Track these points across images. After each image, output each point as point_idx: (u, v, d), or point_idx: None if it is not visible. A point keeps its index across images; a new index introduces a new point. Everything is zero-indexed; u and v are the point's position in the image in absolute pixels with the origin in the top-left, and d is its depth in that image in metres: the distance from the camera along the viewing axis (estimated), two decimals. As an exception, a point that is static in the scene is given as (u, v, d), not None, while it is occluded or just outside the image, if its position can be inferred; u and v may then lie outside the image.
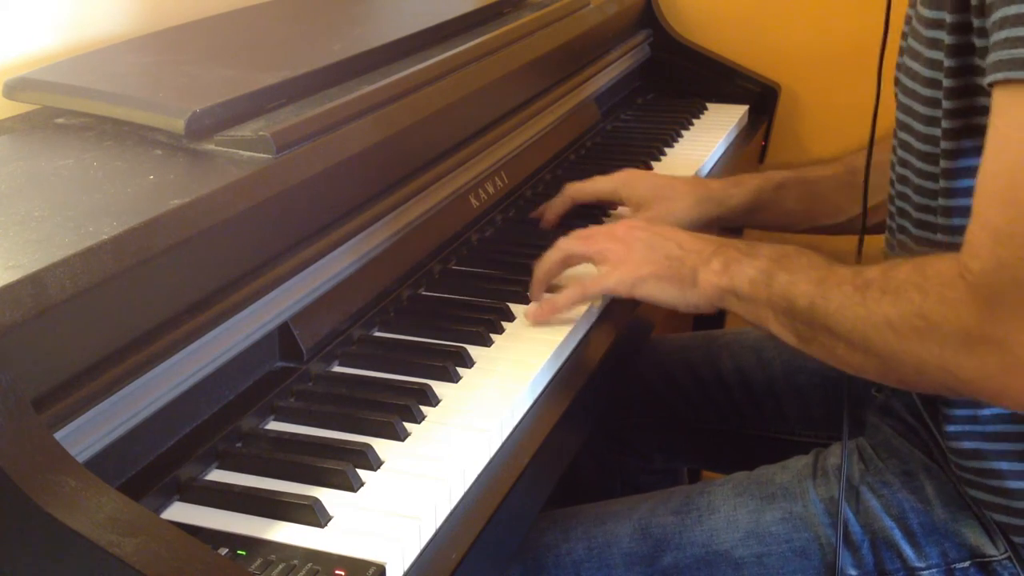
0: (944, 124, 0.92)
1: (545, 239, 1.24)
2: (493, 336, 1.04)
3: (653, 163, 1.54)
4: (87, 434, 0.75)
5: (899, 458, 1.05)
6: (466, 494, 0.83)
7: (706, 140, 1.65)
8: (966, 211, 0.86)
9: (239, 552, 0.74)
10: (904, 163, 1.00)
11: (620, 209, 1.35)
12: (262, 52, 1.23)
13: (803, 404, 1.32)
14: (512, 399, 0.93)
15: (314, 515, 0.77)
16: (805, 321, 0.91)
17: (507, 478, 0.86)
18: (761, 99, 1.83)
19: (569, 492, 1.22)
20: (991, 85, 0.80)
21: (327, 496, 0.80)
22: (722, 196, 1.29)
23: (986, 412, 0.94)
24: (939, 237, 0.95)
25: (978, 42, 0.86)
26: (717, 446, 1.40)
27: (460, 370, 0.98)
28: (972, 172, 0.88)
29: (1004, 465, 0.94)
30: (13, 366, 0.66)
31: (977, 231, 0.80)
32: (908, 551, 1.00)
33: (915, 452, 1.04)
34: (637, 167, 1.49)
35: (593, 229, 1.11)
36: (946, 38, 0.89)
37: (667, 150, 1.60)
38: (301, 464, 0.83)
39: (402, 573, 0.75)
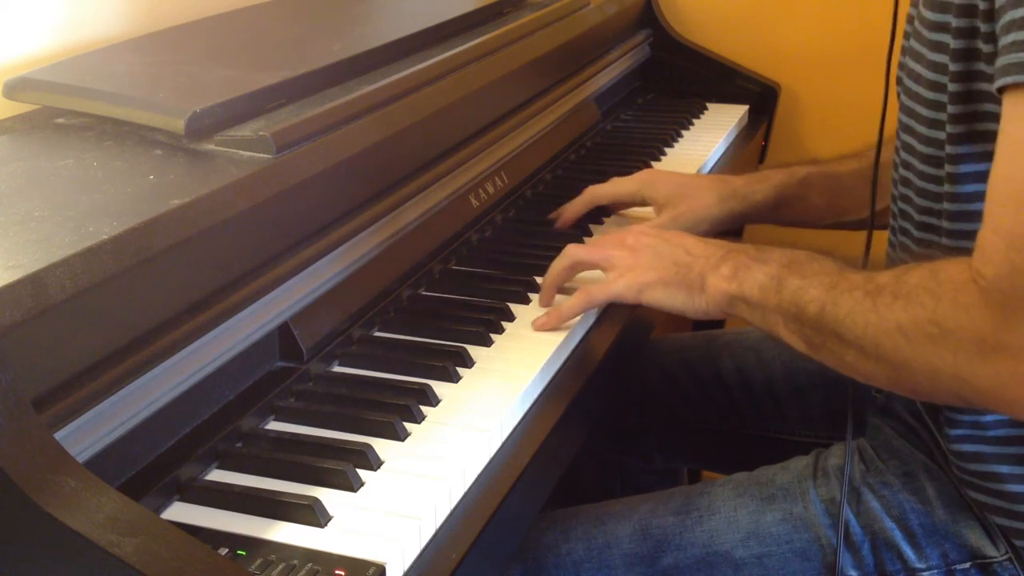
0: (949, 128, 0.91)
1: (546, 239, 1.24)
2: (493, 336, 1.04)
3: (653, 163, 1.54)
4: (87, 434, 0.75)
5: (900, 459, 1.05)
6: (466, 494, 0.83)
7: (706, 140, 1.65)
8: (972, 215, 0.86)
9: (239, 552, 0.74)
10: (907, 165, 1.00)
11: (634, 209, 1.35)
12: (262, 52, 1.23)
13: (803, 404, 1.32)
14: (512, 399, 0.93)
15: (314, 515, 0.77)
16: (815, 327, 0.90)
17: (507, 478, 0.86)
18: (761, 99, 1.83)
19: (569, 492, 1.22)
20: (1000, 90, 0.79)
21: (327, 496, 0.80)
22: (746, 192, 1.28)
23: (988, 417, 0.94)
24: (943, 240, 0.95)
25: (984, 47, 0.85)
26: (717, 446, 1.40)
27: (460, 370, 0.98)
28: (978, 177, 0.88)
29: (1005, 469, 0.94)
30: (13, 366, 0.66)
31: (990, 236, 0.78)
32: (909, 552, 1.00)
33: (916, 453, 1.04)
34: (637, 167, 1.48)
35: (602, 236, 1.11)
36: (951, 42, 0.88)
37: (667, 150, 1.60)
38: (301, 464, 0.83)
39: (402, 573, 0.75)
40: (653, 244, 1.05)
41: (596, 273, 1.09)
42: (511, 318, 1.08)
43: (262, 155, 0.95)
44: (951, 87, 0.89)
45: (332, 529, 0.77)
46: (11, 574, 0.66)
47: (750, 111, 1.81)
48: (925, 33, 0.94)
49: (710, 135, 1.67)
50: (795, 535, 1.03)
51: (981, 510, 0.98)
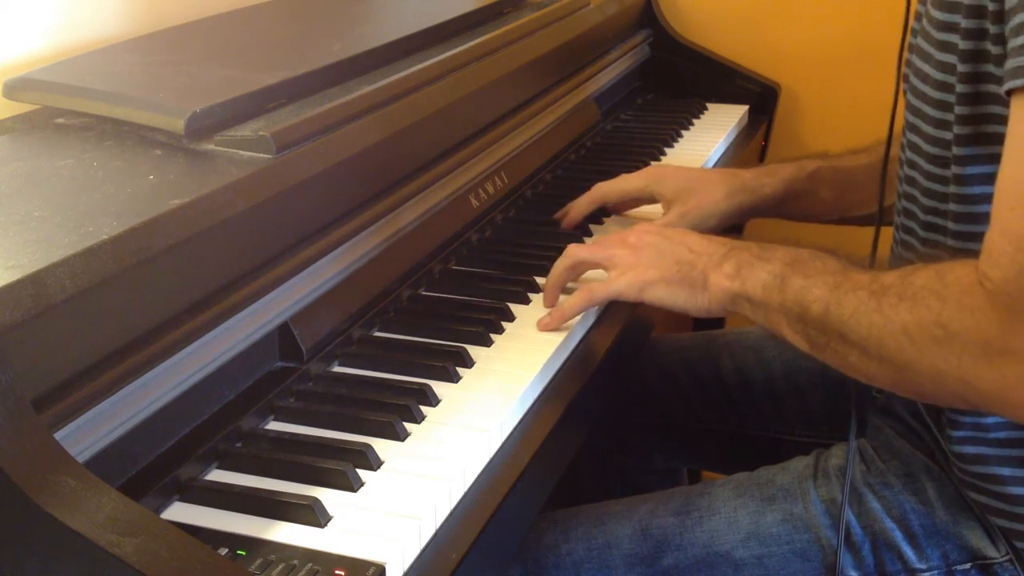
0: (956, 129, 0.90)
1: (546, 239, 1.25)
2: (493, 336, 1.04)
3: (653, 163, 1.54)
4: (87, 434, 0.75)
5: (900, 459, 1.05)
6: (466, 494, 0.83)
7: (706, 140, 1.65)
8: (979, 217, 0.86)
9: (239, 552, 0.74)
10: (912, 164, 0.99)
11: (637, 210, 1.34)
12: (262, 52, 1.23)
13: (803, 404, 1.32)
14: (512, 399, 0.93)
15: (314, 515, 0.77)
16: (818, 327, 0.90)
17: (507, 478, 0.86)
18: (761, 99, 1.83)
19: (569, 492, 1.22)
20: (1009, 92, 0.78)
21: (327, 496, 0.80)
22: (755, 186, 1.28)
23: (990, 419, 0.93)
24: (948, 241, 0.94)
25: (993, 49, 0.84)
26: (717, 446, 1.40)
27: (460, 370, 0.98)
28: (985, 179, 0.88)
29: (1006, 471, 0.94)
30: (13, 366, 0.66)
31: (997, 238, 0.78)
32: (909, 552, 1.00)
33: (916, 454, 1.04)
34: (637, 167, 1.48)
35: (604, 236, 1.10)
36: (960, 43, 0.88)
37: (667, 150, 1.60)
38: (301, 464, 0.83)
39: (402, 573, 0.75)
40: (655, 242, 1.05)
41: (599, 272, 1.09)
42: (511, 318, 1.08)
43: (262, 155, 0.95)
44: (959, 88, 0.89)
45: (332, 529, 0.77)
46: (11, 574, 0.66)
47: (750, 111, 1.81)
48: (933, 32, 0.93)
49: (710, 135, 1.67)
50: (795, 535, 1.03)
51: (982, 511, 0.98)
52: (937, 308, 0.80)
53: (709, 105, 1.82)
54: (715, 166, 1.60)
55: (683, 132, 1.68)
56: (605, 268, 1.07)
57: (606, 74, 1.70)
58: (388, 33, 1.29)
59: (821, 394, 1.30)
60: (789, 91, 1.87)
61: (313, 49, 1.23)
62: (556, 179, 1.47)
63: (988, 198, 0.81)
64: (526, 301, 1.11)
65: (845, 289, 0.88)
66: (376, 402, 0.92)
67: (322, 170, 0.98)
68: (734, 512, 1.06)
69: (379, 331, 1.06)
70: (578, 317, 1.06)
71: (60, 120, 1.03)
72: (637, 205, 1.35)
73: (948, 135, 0.92)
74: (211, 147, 0.96)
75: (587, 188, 1.34)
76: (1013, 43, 0.78)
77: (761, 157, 1.86)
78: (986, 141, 0.88)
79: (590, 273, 1.11)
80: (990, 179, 0.81)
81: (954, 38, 0.89)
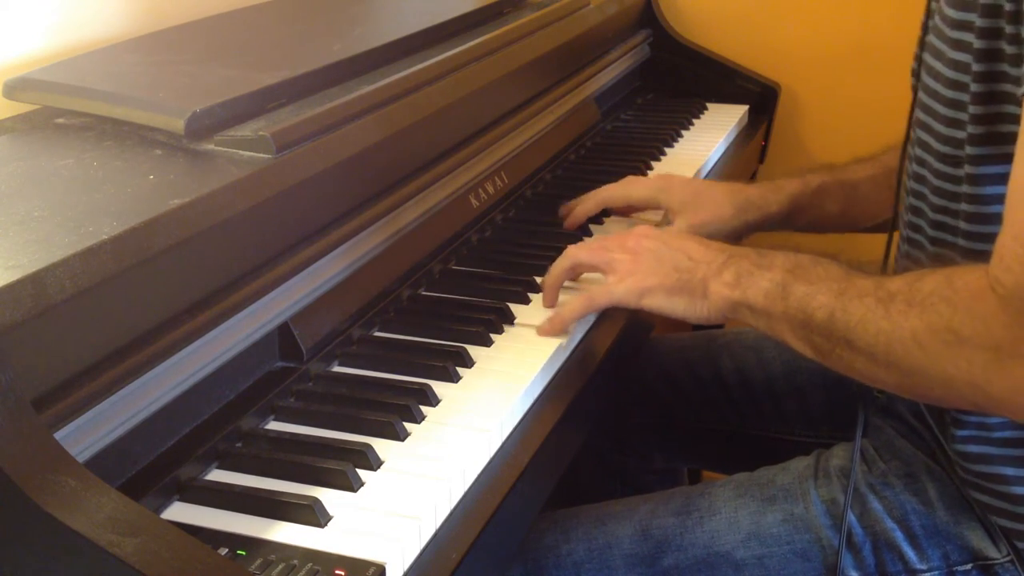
0: (970, 129, 0.90)
1: (546, 239, 1.24)
2: (493, 336, 1.04)
3: (653, 163, 1.54)
4: (87, 434, 0.75)
5: (901, 459, 1.05)
6: (466, 494, 0.83)
7: (706, 140, 1.65)
8: (992, 217, 0.85)
9: (239, 552, 0.74)
10: (921, 162, 0.98)
11: (648, 213, 1.34)
12: (262, 52, 1.23)
13: (803, 404, 1.32)
14: (512, 399, 0.93)
15: (314, 515, 0.77)
16: (823, 334, 0.90)
17: (507, 478, 0.86)
18: (761, 99, 1.83)
19: (569, 492, 1.22)
20: None
21: (327, 496, 0.80)
22: (761, 203, 1.27)
23: (995, 418, 0.93)
24: (959, 241, 0.94)
25: (1008, 48, 0.84)
26: (717, 446, 1.40)
27: (460, 370, 0.98)
28: (999, 179, 0.87)
29: (1010, 471, 0.94)
30: (13, 366, 0.66)
31: (1009, 242, 0.77)
32: (910, 553, 1.00)
33: (918, 454, 1.04)
34: (637, 167, 1.49)
35: (603, 239, 1.10)
36: (975, 42, 0.87)
37: (667, 150, 1.60)
38: (301, 464, 0.83)
39: (402, 573, 0.75)
40: (654, 248, 1.04)
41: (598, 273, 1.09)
42: (511, 318, 1.08)
43: (262, 155, 0.95)
44: (973, 87, 0.88)
45: (332, 529, 0.77)
46: (11, 574, 0.66)
47: (750, 111, 1.81)
48: (946, 30, 0.92)
49: (710, 135, 1.67)
50: (796, 536, 1.03)
51: (984, 511, 0.98)
52: (948, 314, 0.80)
53: (709, 105, 1.82)
54: (715, 166, 1.60)
55: (683, 132, 1.68)
56: (604, 273, 1.07)
57: (606, 74, 1.70)
58: (388, 33, 1.29)
59: (821, 394, 1.30)
60: (789, 91, 1.87)
61: (313, 49, 1.23)
62: (556, 179, 1.47)
63: (1001, 198, 0.81)
64: (526, 301, 1.11)
65: (850, 295, 0.88)
66: (376, 402, 0.92)
67: (322, 170, 0.98)
68: (735, 512, 1.06)
69: (379, 331, 1.06)
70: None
71: (60, 120, 1.03)
72: (641, 211, 1.34)
73: (961, 134, 0.91)
74: (211, 147, 0.96)
75: (587, 188, 1.34)
76: None
77: (761, 157, 1.87)
78: (1001, 140, 0.88)
79: (589, 274, 1.11)
80: (1004, 179, 0.81)
81: (969, 37, 0.88)
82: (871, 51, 1.80)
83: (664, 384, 1.39)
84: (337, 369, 0.99)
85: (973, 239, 0.92)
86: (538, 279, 1.14)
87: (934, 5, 0.99)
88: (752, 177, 1.86)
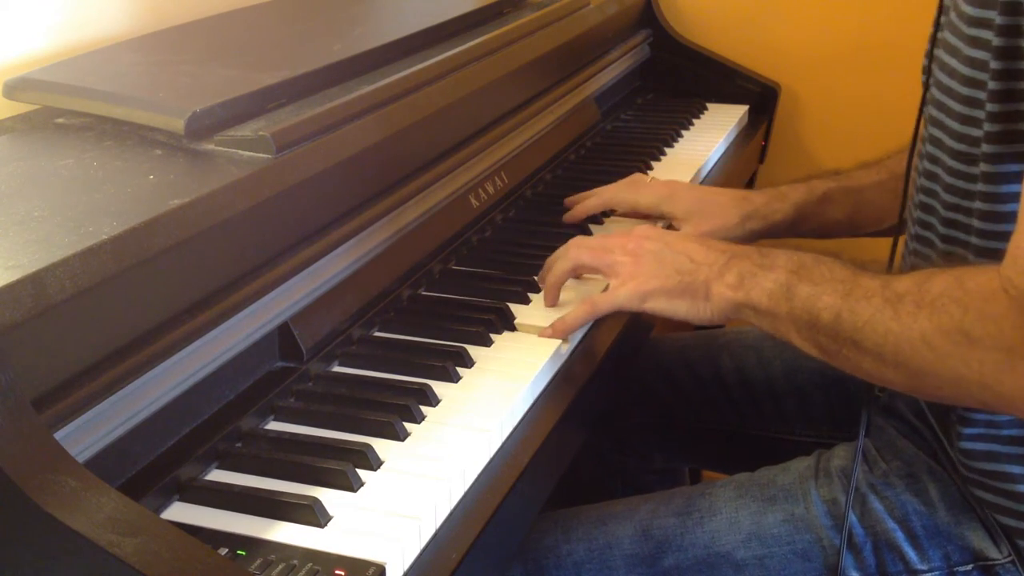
0: (986, 126, 0.89)
1: (546, 239, 1.24)
2: (493, 336, 1.04)
3: (653, 163, 1.54)
4: (87, 434, 0.75)
5: (903, 460, 1.05)
6: (466, 494, 0.83)
7: (706, 140, 1.65)
8: (1007, 216, 0.85)
9: (239, 552, 0.74)
10: (934, 159, 0.98)
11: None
12: (262, 52, 1.23)
13: (803, 404, 1.32)
14: (512, 399, 0.93)
15: (314, 515, 0.77)
16: (830, 335, 0.89)
17: (507, 478, 0.86)
18: (761, 99, 1.83)
19: (570, 492, 1.22)
20: None
21: (327, 496, 0.80)
22: (766, 212, 1.27)
23: (1005, 416, 0.93)
24: (972, 239, 0.93)
25: None
26: (717, 446, 1.40)
27: (460, 370, 0.98)
28: (1015, 177, 0.87)
29: (1016, 469, 0.94)
30: (13, 366, 0.66)
31: (1023, 244, 0.77)
32: (911, 553, 1.00)
33: (919, 454, 1.04)
34: (637, 167, 1.49)
35: (604, 239, 1.10)
36: (994, 39, 0.87)
37: (667, 150, 1.60)
38: (301, 464, 0.83)
39: (402, 573, 0.75)
40: (655, 250, 1.04)
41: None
42: (511, 318, 1.07)
43: (262, 155, 0.95)
44: (991, 85, 0.88)
45: (332, 529, 0.77)
46: (11, 574, 0.66)
47: (750, 111, 1.81)
48: (963, 27, 0.92)
49: (710, 135, 1.67)
50: (796, 536, 1.03)
51: (987, 510, 0.98)
52: (959, 315, 0.80)
53: (709, 105, 1.82)
54: (715, 166, 1.60)
55: (683, 132, 1.68)
56: (605, 275, 1.07)
57: (606, 74, 1.70)
58: (388, 33, 1.29)
59: (821, 394, 1.30)
60: (789, 91, 1.87)
61: (313, 49, 1.23)
62: (556, 179, 1.47)
63: (1017, 197, 0.81)
64: (526, 301, 1.11)
65: (857, 296, 0.87)
66: (376, 402, 0.92)
67: (322, 170, 0.98)
68: (735, 512, 1.06)
69: (379, 331, 1.06)
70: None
71: (60, 120, 1.03)
72: (644, 217, 1.34)
73: (977, 131, 0.91)
74: (211, 147, 0.96)
75: (587, 188, 1.34)
76: None
77: (761, 157, 1.87)
78: (1019, 139, 0.87)
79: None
80: (1020, 177, 0.81)
81: (987, 34, 0.88)
82: (871, 51, 1.80)
83: (664, 384, 1.39)
84: (337, 369, 0.99)
85: (987, 237, 0.92)
86: (538, 279, 1.14)
87: (948, 1, 0.98)
88: (752, 177, 1.86)
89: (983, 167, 0.90)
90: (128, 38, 1.24)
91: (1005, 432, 0.94)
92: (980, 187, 0.91)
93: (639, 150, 1.57)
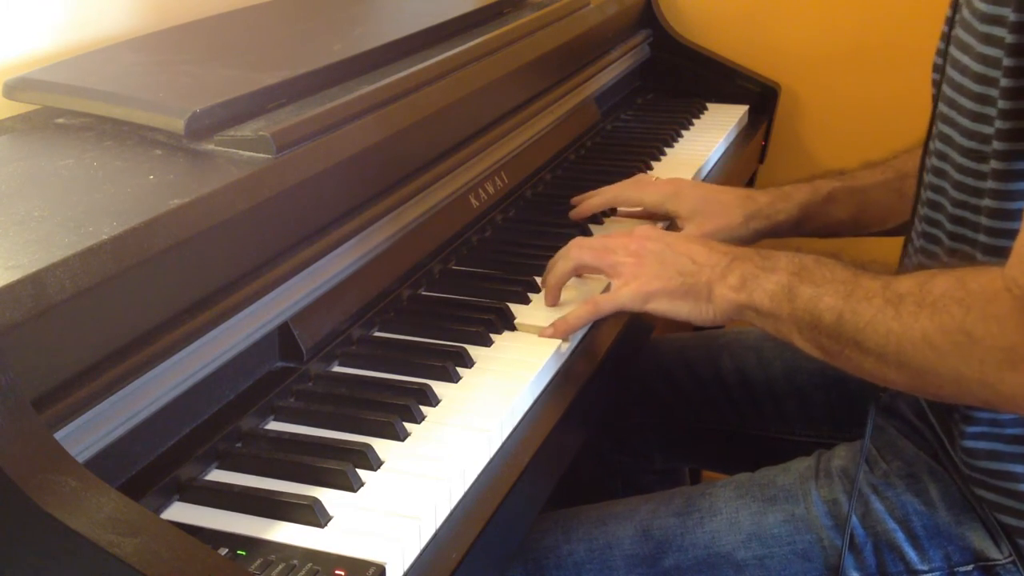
0: (998, 124, 0.89)
1: (546, 239, 1.24)
2: (493, 336, 1.04)
3: (653, 163, 1.54)
4: (87, 434, 0.75)
5: (903, 460, 1.05)
6: (466, 494, 0.83)
7: (706, 140, 1.65)
8: (1017, 214, 0.85)
9: (239, 552, 0.74)
10: (942, 156, 0.98)
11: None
12: (262, 52, 1.23)
13: (803, 404, 1.32)
14: (512, 399, 0.93)
15: (314, 515, 0.77)
16: (832, 336, 0.90)
17: (507, 478, 0.86)
18: (761, 99, 1.83)
19: (570, 492, 1.22)
20: None
21: (327, 496, 0.80)
22: (770, 211, 1.27)
23: (1008, 415, 0.93)
24: (980, 237, 0.93)
25: None
26: (717, 446, 1.40)
27: (460, 370, 0.98)
28: None
29: (1019, 468, 0.94)
30: (13, 366, 0.66)
31: None
32: (911, 553, 1.00)
33: (920, 454, 1.04)
34: (638, 167, 1.49)
35: (606, 240, 1.10)
36: (1008, 36, 0.87)
37: (667, 150, 1.60)
38: (301, 464, 0.83)
39: (402, 573, 0.75)
40: (657, 251, 1.04)
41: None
42: (511, 318, 1.07)
43: (262, 155, 0.94)
44: (1003, 82, 0.88)
45: (332, 529, 0.77)
46: (11, 574, 0.66)
47: (750, 111, 1.81)
48: (976, 24, 0.91)
49: (710, 135, 1.67)
50: (797, 536, 1.03)
51: (988, 509, 0.97)
52: (960, 316, 0.80)
53: (709, 105, 1.82)
54: (715, 166, 1.60)
55: (683, 132, 1.68)
56: (608, 276, 1.07)
57: (606, 74, 1.70)
58: (388, 33, 1.29)
59: (821, 394, 1.30)
60: (789, 91, 1.87)
61: (313, 49, 1.23)
62: (556, 179, 1.47)
63: None
64: (526, 301, 1.11)
65: (858, 297, 0.88)
66: (376, 402, 0.92)
67: (322, 170, 0.98)
68: (735, 513, 1.06)
69: (379, 331, 1.05)
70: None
71: (60, 120, 1.03)
72: (648, 217, 1.34)
73: (988, 129, 0.91)
74: (211, 147, 0.96)
75: (587, 188, 1.34)
76: None
77: (761, 157, 1.87)
78: None
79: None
80: None
81: (1000, 31, 0.88)
82: (871, 51, 1.80)
83: (664, 384, 1.39)
84: (337, 369, 0.99)
85: (995, 235, 0.92)
86: (538, 279, 1.14)
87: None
88: (752, 177, 1.86)
89: (994, 164, 0.90)
90: (128, 38, 1.24)
91: (1008, 431, 0.94)
92: (990, 184, 0.91)
93: (639, 150, 1.57)
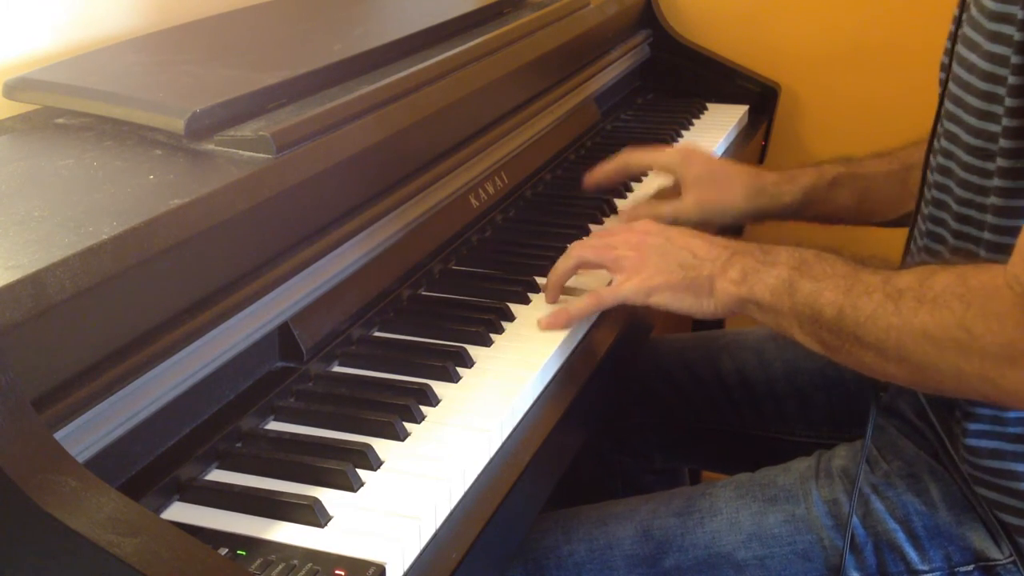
0: (1005, 122, 0.89)
1: (546, 239, 1.25)
2: (493, 336, 1.04)
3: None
4: (87, 434, 0.75)
5: (904, 460, 1.05)
6: (466, 494, 0.83)
7: (706, 140, 1.65)
8: (1022, 212, 0.85)
9: (239, 552, 0.74)
10: (948, 154, 0.98)
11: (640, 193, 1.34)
12: (262, 52, 1.23)
13: (803, 405, 1.32)
14: (512, 399, 0.93)
15: (314, 515, 0.77)
16: (832, 330, 0.90)
17: (507, 478, 0.86)
18: (761, 99, 1.83)
19: (570, 492, 1.22)
20: None
21: (327, 496, 0.80)
22: (775, 192, 1.27)
23: (1010, 413, 0.93)
24: (985, 235, 0.93)
25: None
26: (717, 446, 1.40)
27: (460, 370, 0.98)
28: None
29: (1021, 467, 0.94)
30: (13, 366, 0.66)
31: None
32: (912, 554, 1.00)
33: (920, 454, 1.04)
34: (637, 167, 1.49)
35: (607, 235, 1.10)
36: (1016, 34, 0.87)
37: (667, 150, 1.60)
38: (301, 464, 0.83)
39: (402, 573, 0.75)
40: (658, 245, 1.04)
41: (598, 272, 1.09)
42: (511, 318, 1.08)
43: (262, 155, 0.94)
44: (1011, 80, 0.88)
45: (332, 529, 0.77)
46: (11, 574, 0.66)
47: (750, 111, 1.81)
48: (984, 22, 0.92)
49: (710, 135, 1.67)
50: (797, 536, 1.03)
51: (990, 508, 0.97)
52: (960, 311, 0.80)
53: (709, 105, 1.82)
54: (716, 166, 1.59)
55: (683, 132, 1.68)
56: (610, 270, 1.07)
57: (606, 74, 1.70)
58: (388, 33, 1.29)
59: (822, 395, 1.30)
60: (789, 91, 1.87)
61: (313, 49, 1.23)
62: (556, 179, 1.47)
63: None
64: (526, 301, 1.11)
65: (858, 292, 0.88)
66: (376, 402, 0.92)
67: (322, 170, 0.98)
68: (736, 513, 1.06)
69: (379, 331, 1.05)
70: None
71: (60, 120, 1.03)
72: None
73: (994, 127, 0.91)
74: (211, 147, 0.96)
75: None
76: None
77: (761, 157, 1.87)
78: None
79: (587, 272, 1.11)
80: None
81: (1008, 29, 0.88)
82: (871, 51, 1.80)
83: (664, 384, 1.39)
84: (337, 369, 0.99)
85: (1000, 233, 0.92)
86: (538, 279, 1.14)
87: None
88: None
89: (1000, 162, 0.90)
90: (128, 38, 1.24)
91: (1011, 430, 0.94)
92: (996, 182, 0.91)
93: (639, 150, 1.57)
